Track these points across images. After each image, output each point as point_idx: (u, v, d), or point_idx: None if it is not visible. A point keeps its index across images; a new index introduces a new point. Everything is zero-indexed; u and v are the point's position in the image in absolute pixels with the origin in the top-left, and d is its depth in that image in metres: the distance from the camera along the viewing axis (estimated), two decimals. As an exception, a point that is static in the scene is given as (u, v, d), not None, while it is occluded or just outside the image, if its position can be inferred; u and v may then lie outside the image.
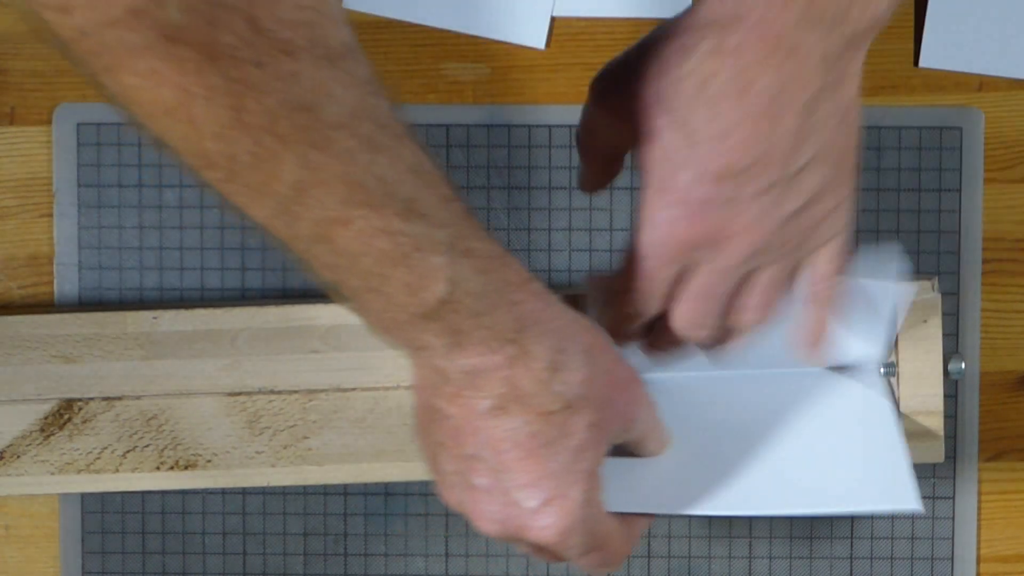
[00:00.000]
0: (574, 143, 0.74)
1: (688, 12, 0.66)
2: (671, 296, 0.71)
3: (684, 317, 0.71)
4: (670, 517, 0.96)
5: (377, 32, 0.97)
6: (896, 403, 0.87)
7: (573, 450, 0.66)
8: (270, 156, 0.56)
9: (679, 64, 0.65)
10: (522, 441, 0.65)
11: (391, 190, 0.59)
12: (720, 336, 0.73)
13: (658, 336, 0.74)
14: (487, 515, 0.68)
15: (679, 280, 0.70)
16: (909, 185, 0.97)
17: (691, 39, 0.65)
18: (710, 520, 0.97)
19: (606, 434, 0.68)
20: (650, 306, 0.71)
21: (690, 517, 0.94)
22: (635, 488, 0.82)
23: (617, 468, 0.83)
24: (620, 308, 0.72)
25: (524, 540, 0.68)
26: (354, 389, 0.91)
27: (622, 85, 0.68)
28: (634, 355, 0.88)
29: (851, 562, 0.97)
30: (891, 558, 0.97)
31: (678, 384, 0.87)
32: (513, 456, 0.65)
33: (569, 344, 0.66)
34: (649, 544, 0.97)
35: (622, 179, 0.97)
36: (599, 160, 0.73)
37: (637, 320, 0.72)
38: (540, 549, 0.70)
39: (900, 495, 0.78)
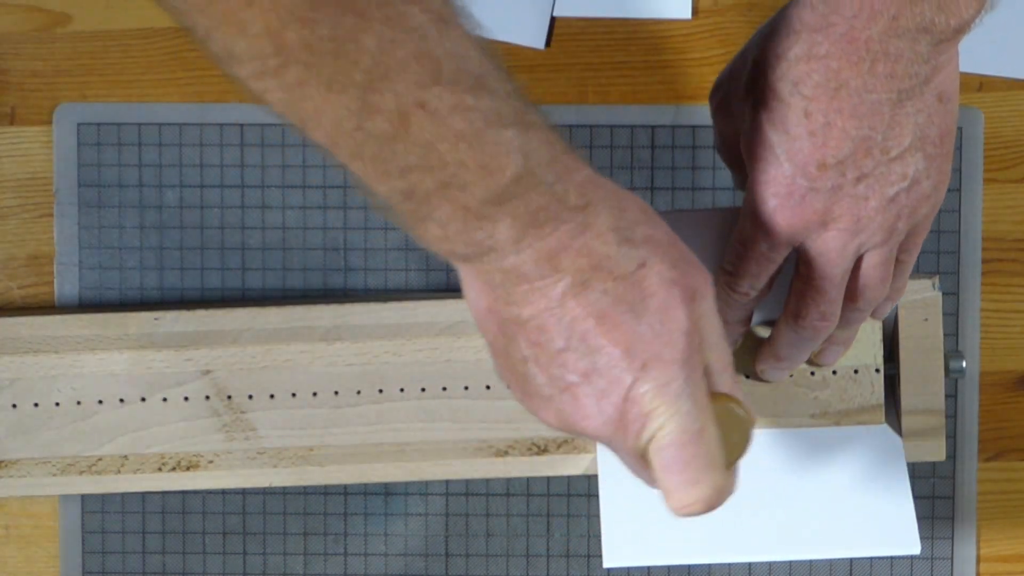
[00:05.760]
0: (715, 150, 0.78)
1: (782, 18, 0.71)
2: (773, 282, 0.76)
3: (808, 306, 0.75)
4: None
5: (377, 32, 0.97)
6: (898, 414, 0.87)
7: (657, 311, 0.65)
8: (349, 38, 0.57)
9: (774, 68, 0.71)
10: (606, 311, 0.64)
11: (461, 66, 0.60)
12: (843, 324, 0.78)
13: (778, 339, 0.79)
14: (591, 410, 0.65)
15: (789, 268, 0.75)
16: (909, 185, 0.97)
17: (784, 45, 0.70)
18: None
19: (687, 296, 0.66)
20: (760, 288, 0.76)
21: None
22: (641, 540, 0.83)
23: (625, 519, 0.84)
24: (733, 290, 0.77)
25: (634, 426, 0.65)
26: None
27: (731, 93, 0.74)
28: None
29: (851, 562, 0.97)
30: (891, 558, 0.97)
31: None
32: (600, 330, 0.64)
33: (628, 204, 0.66)
34: (649, 544, 0.97)
35: (622, 182, 0.97)
36: (738, 163, 0.77)
37: (750, 300, 0.77)
38: (654, 447, 0.66)
39: (903, 540, 0.83)
